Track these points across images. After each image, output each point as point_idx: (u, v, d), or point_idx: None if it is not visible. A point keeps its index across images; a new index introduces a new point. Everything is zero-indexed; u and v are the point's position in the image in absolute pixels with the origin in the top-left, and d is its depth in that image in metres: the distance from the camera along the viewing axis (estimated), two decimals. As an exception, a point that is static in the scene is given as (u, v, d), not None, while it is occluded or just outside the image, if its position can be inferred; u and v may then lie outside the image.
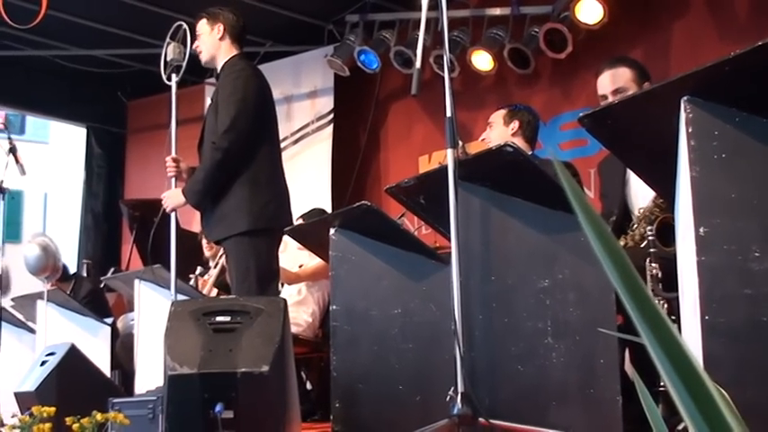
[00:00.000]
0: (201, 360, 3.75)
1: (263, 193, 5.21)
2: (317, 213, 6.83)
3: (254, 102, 5.28)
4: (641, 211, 4.30)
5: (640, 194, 4.37)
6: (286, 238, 5.53)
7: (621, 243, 4.34)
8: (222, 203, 5.20)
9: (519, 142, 5.34)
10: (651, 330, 0.70)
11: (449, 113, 3.67)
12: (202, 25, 5.49)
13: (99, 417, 3.83)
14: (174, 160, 5.40)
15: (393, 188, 4.08)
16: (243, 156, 5.18)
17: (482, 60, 8.43)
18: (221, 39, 5.44)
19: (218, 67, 5.48)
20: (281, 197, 5.34)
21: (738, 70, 2.41)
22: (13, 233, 18.40)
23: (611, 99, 4.43)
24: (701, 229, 2.43)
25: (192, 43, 5.42)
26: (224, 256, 6.02)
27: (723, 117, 2.47)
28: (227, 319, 3.93)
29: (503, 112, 5.70)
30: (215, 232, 5.32)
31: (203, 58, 5.53)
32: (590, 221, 0.70)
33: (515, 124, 5.57)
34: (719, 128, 2.46)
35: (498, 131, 5.56)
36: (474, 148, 6.00)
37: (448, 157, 3.60)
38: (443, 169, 3.64)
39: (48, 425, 4.07)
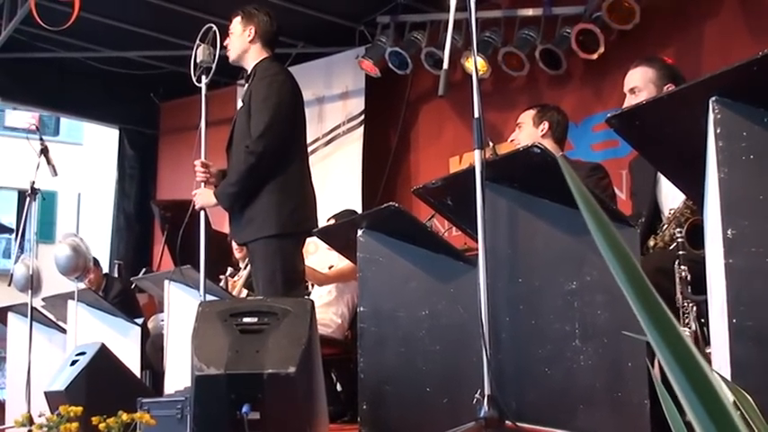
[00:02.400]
0: (228, 361, 3.75)
1: (292, 198, 5.24)
2: (348, 214, 6.81)
3: (288, 107, 5.31)
4: (672, 211, 4.25)
5: (671, 195, 4.33)
6: (317, 240, 5.53)
7: (651, 243, 4.31)
8: (251, 207, 5.22)
9: (548, 143, 5.29)
10: (657, 331, 0.68)
11: (476, 114, 3.65)
12: (235, 24, 5.50)
13: (125, 417, 3.84)
14: (204, 165, 5.41)
15: (420, 189, 4.07)
16: (275, 160, 5.20)
17: (512, 61, 8.42)
18: (251, 42, 5.45)
19: (248, 68, 5.49)
20: (309, 202, 5.36)
21: (767, 70, 2.38)
22: (47, 233, 18.59)
23: (629, 97, 4.43)
24: (729, 231, 2.40)
25: (221, 45, 5.43)
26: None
27: (752, 117, 2.44)
28: (255, 320, 3.93)
29: (532, 112, 5.61)
30: (242, 235, 5.34)
31: (231, 56, 5.54)
32: (595, 221, 0.69)
33: (545, 125, 5.49)
34: (748, 128, 2.44)
35: (527, 132, 5.49)
36: (505, 149, 5.97)
37: (475, 159, 3.58)
38: (470, 170, 3.62)
39: (75, 424, 4.09)
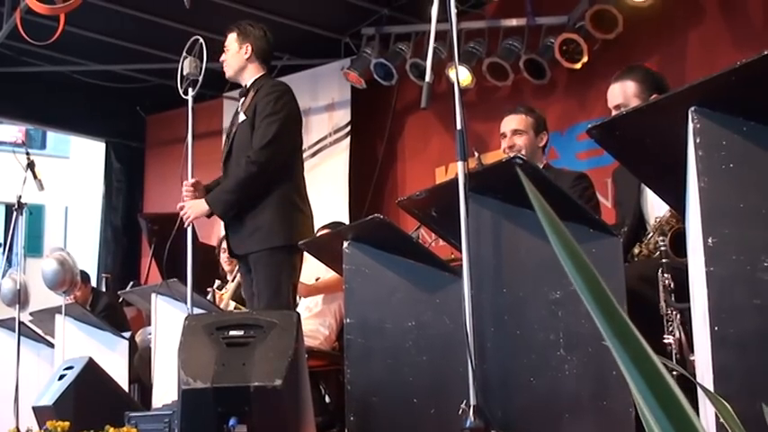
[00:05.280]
0: (215, 374, 3.76)
1: (298, 210, 5.33)
2: (338, 226, 6.80)
3: (294, 122, 5.39)
4: (657, 220, 4.27)
5: (655, 204, 4.34)
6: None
7: (636, 251, 4.34)
8: (256, 217, 5.26)
9: (540, 154, 5.30)
10: (613, 332, 0.69)
11: (459, 126, 3.67)
12: (231, 41, 5.53)
13: (113, 431, 3.85)
14: (193, 185, 5.40)
15: (404, 201, 4.08)
16: (278, 173, 5.24)
17: (496, 71, 8.46)
18: (248, 60, 5.49)
19: (246, 83, 5.52)
20: (310, 215, 5.43)
21: (745, 80, 2.40)
22: (35, 247, 18.50)
23: (614, 113, 4.42)
24: (710, 240, 2.42)
25: (210, 57, 5.44)
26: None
27: (731, 127, 2.45)
28: (241, 333, 3.94)
29: (531, 120, 5.41)
30: (246, 245, 5.34)
31: (228, 72, 5.59)
32: (554, 231, 0.70)
33: (544, 138, 5.41)
34: (727, 138, 2.45)
35: (530, 140, 5.34)
36: (491, 158, 5.96)
37: (458, 170, 3.59)
38: (454, 182, 3.63)
39: (61, 439, 4.10)
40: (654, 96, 4.26)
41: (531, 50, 8.20)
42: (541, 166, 5.20)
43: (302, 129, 5.64)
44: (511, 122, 5.40)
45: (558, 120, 7.81)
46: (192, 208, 5.36)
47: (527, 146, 5.31)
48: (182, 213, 5.39)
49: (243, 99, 5.54)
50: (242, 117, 5.44)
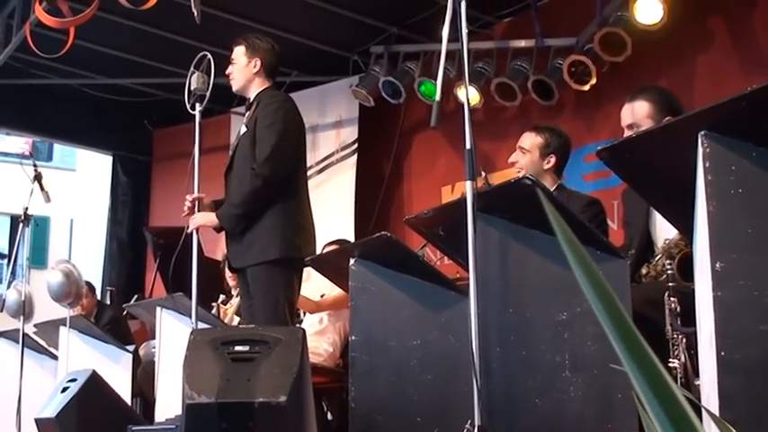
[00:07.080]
0: (219, 389, 3.74)
1: (294, 223, 5.27)
2: (343, 243, 6.79)
3: (294, 133, 5.36)
4: (666, 242, 4.26)
5: (664, 225, 4.33)
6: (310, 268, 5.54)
7: (643, 272, 4.33)
8: (254, 230, 5.23)
9: (549, 176, 5.23)
10: (632, 358, 0.70)
11: (468, 145, 3.67)
12: (239, 54, 5.52)
13: (116, 445, 3.85)
14: (195, 200, 5.39)
15: (412, 219, 4.07)
16: (281, 185, 5.22)
17: (504, 91, 8.46)
18: (256, 74, 5.48)
19: (251, 97, 5.52)
20: (310, 228, 5.40)
21: (755, 105, 2.40)
22: (39, 259, 18.50)
23: (626, 133, 4.42)
24: (718, 264, 2.41)
25: (221, 72, 5.45)
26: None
27: (740, 152, 2.45)
28: (246, 348, 3.93)
29: (539, 141, 5.37)
30: (243, 258, 5.32)
31: (234, 86, 5.58)
32: (576, 257, 0.71)
33: (552, 160, 5.32)
34: (736, 162, 2.45)
35: (532, 161, 5.33)
36: (498, 178, 5.96)
37: (467, 189, 3.59)
38: (462, 201, 3.63)
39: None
40: (667, 118, 4.26)
41: (539, 71, 8.21)
42: (553, 188, 5.20)
43: (305, 141, 5.60)
44: (522, 139, 5.45)
45: (565, 141, 7.81)
46: (201, 216, 5.34)
47: (526, 166, 5.33)
48: (190, 220, 5.36)
49: (247, 112, 5.55)
50: (243, 129, 5.45)
